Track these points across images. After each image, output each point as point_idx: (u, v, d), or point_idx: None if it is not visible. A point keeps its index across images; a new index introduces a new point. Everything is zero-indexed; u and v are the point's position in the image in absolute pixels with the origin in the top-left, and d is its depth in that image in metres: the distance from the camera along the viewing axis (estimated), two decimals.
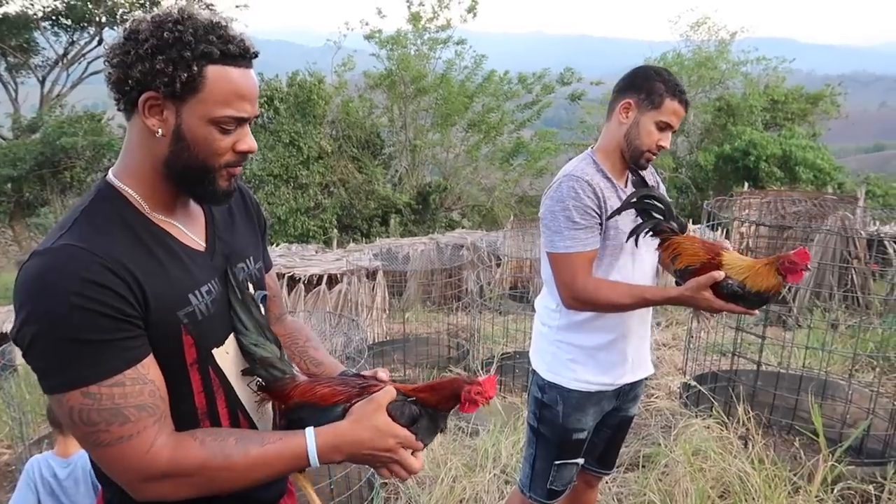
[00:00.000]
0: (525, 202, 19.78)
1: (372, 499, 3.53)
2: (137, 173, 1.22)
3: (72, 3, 16.99)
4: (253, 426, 1.34)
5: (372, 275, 8.58)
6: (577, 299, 2.11)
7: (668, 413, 4.20)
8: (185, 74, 1.11)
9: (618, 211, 2.08)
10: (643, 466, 3.47)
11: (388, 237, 13.71)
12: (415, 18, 18.92)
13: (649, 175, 2.32)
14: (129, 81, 1.13)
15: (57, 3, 17.26)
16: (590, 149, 2.25)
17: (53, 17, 17.51)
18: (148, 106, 1.14)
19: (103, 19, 17.59)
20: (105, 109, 17.69)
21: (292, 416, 1.29)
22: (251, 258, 1.41)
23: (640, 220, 2.11)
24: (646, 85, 2.10)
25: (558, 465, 2.34)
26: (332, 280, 8.07)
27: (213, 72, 1.14)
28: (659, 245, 2.10)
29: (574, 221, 2.08)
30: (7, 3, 16.86)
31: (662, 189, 2.34)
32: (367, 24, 18.97)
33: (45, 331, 1.04)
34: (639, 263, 2.22)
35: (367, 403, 1.21)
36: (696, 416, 3.60)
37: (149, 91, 1.13)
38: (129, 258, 1.13)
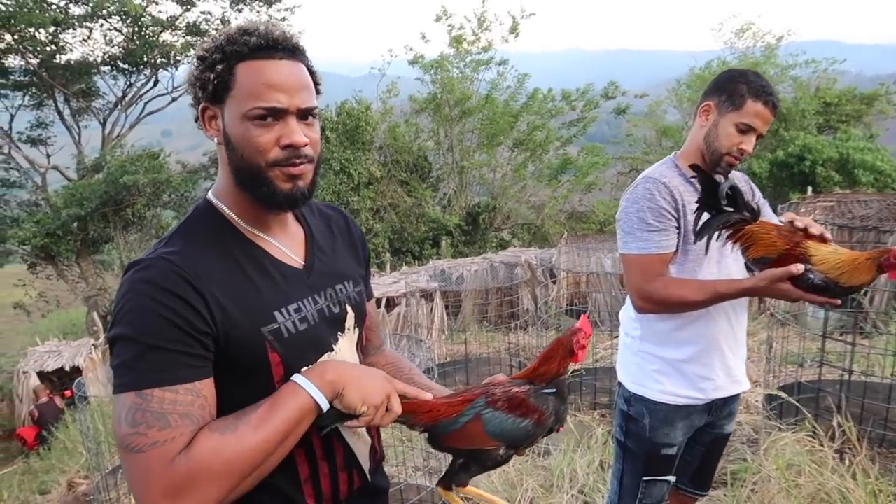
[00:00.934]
0: (575, 218, 19.58)
1: None
2: (225, 188, 1.25)
3: (129, 47, 17.74)
4: (348, 448, 1.32)
5: (428, 296, 8.58)
6: (647, 300, 2.04)
7: (748, 427, 4.03)
8: (215, 77, 1.15)
9: (698, 234, 1.97)
10: (730, 484, 3.31)
11: (439, 259, 13.72)
12: (456, 42, 19.10)
13: (742, 182, 2.23)
14: (195, 101, 1.21)
15: (115, 49, 18.06)
16: (673, 153, 2.20)
17: (112, 62, 18.31)
18: (206, 118, 1.20)
19: (158, 61, 18.31)
20: (162, 147, 18.36)
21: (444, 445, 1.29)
22: (350, 281, 1.39)
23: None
24: (728, 86, 2.04)
25: (647, 481, 2.25)
26: (390, 303, 8.09)
27: (242, 68, 1.15)
28: (728, 237, 2.00)
29: (647, 223, 2.03)
30: (70, 50, 17.67)
31: (759, 197, 2.23)
32: (411, 49, 19.22)
33: (125, 332, 1.07)
34: (725, 274, 2.12)
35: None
36: (785, 429, 3.42)
37: (203, 103, 1.19)
38: (215, 273, 1.14)
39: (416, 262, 15.22)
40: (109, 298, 16.02)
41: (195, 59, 1.19)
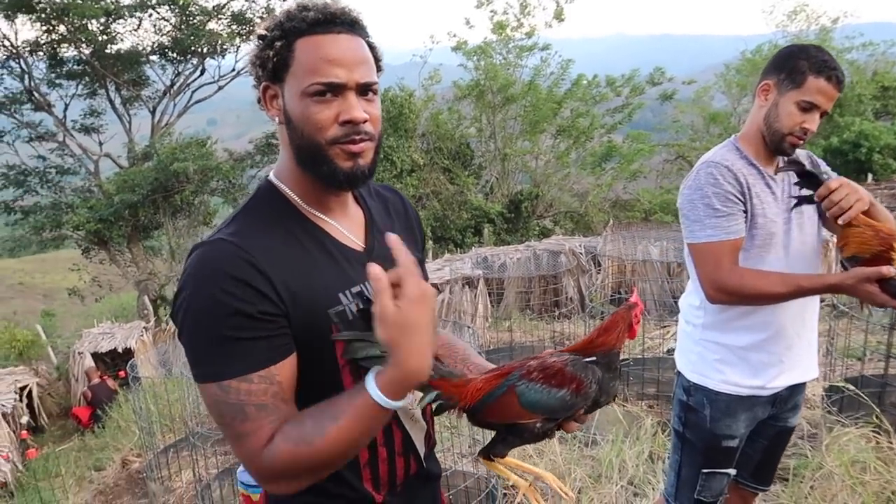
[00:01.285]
0: (619, 206, 19.28)
1: None
2: (286, 169, 1.23)
3: (177, 36, 18.08)
4: (406, 434, 1.30)
5: (471, 283, 8.56)
6: (723, 290, 1.95)
7: (805, 422, 3.90)
8: (274, 54, 1.13)
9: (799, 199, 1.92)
10: (787, 480, 3.21)
11: (481, 247, 13.67)
12: (499, 27, 18.92)
13: (805, 159, 2.13)
14: (256, 81, 1.19)
15: (164, 38, 18.43)
16: (733, 136, 2.11)
17: (161, 52, 18.70)
18: (268, 97, 1.18)
19: (205, 50, 18.61)
20: (209, 135, 18.70)
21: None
22: None
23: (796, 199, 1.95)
24: (787, 63, 1.94)
25: (706, 473, 2.18)
26: (434, 289, 8.11)
27: (301, 44, 1.13)
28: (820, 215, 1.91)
29: (715, 209, 1.95)
30: (121, 40, 18.10)
31: (827, 170, 2.14)
32: (454, 35, 19.11)
33: (193, 321, 1.08)
34: (795, 258, 2.03)
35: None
36: (847, 423, 3.29)
37: (263, 82, 1.17)
38: (279, 255, 1.13)
39: (458, 249, 15.21)
40: (159, 283, 16.46)
41: (256, 39, 1.17)
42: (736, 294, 1.95)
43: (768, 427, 2.20)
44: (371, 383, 1.05)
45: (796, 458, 3.35)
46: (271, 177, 1.26)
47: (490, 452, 1.26)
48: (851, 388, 3.50)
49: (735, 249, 1.97)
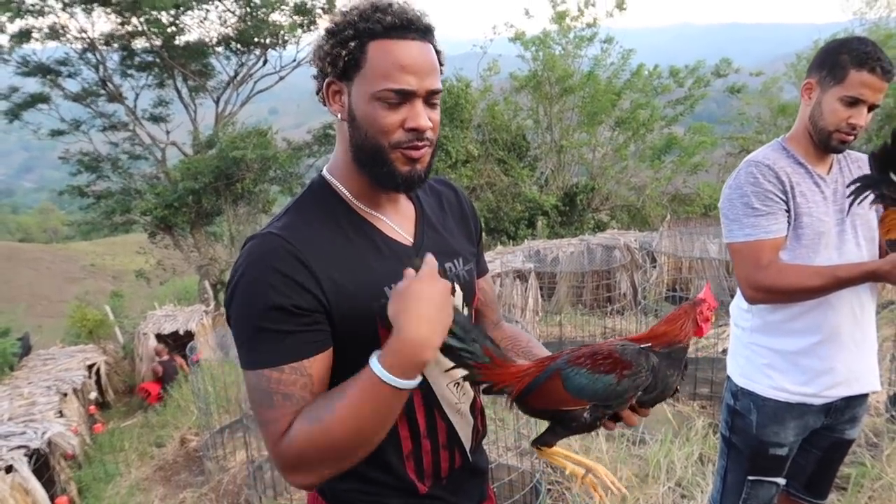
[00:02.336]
0: (678, 200, 18.77)
1: None
2: (341, 165, 1.26)
3: (241, 28, 18.53)
4: (451, 427, 1.32)
5: (523, 277, 8.51)
6: (760, 289, 1.91)
7: (868, 430, 3.74)
8: (346, 53, 1.13)
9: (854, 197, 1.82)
10: (844, 488, 3.10)
11: (535, 239, 13.57)
12: (559, 17, 18.63)
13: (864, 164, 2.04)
14: (320, 75, 1.19)
15: (228, 30, 18.91)
16: (781, 136, 2.05)
17: (226, 43, 19.20)
18: (331, 93, 1.19)
19: (267, 41, 19.01)
20: (269, 125, 19.12)
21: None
22: (460, 259, 1.37)
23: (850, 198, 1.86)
24: (828, 59, 1.88)
25: (752, 481, 2.12)
26: None
27: (374, 47, 1.13)
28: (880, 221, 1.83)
29: (753, 208, 1.91)
30: (189, 32, 18.68)
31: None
32: (512, 26, 18.93)
33: (238, 310, 1.14)
34: (846, 258, 1.94)
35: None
36: None
37: (328, 78, 1.18)
38: (326, 249, 1.16)
39: (511, 241, 15.12)
40: (219, 268, 16.97)
41: (324, 33, 1.18)
42: (773, 291, 1.91)
43: (823, 437, 2.12)
44: (374, 358, 1.06)
45: (855, 467, 3.22)
46: (324, 172, 1.29)
47: (538, 443, 1.24)
48: None
49: (774, 249, 1.92)
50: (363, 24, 1.13)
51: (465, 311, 1.35)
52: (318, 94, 1.23)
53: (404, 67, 1.13)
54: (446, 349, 1.15)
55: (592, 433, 1.22)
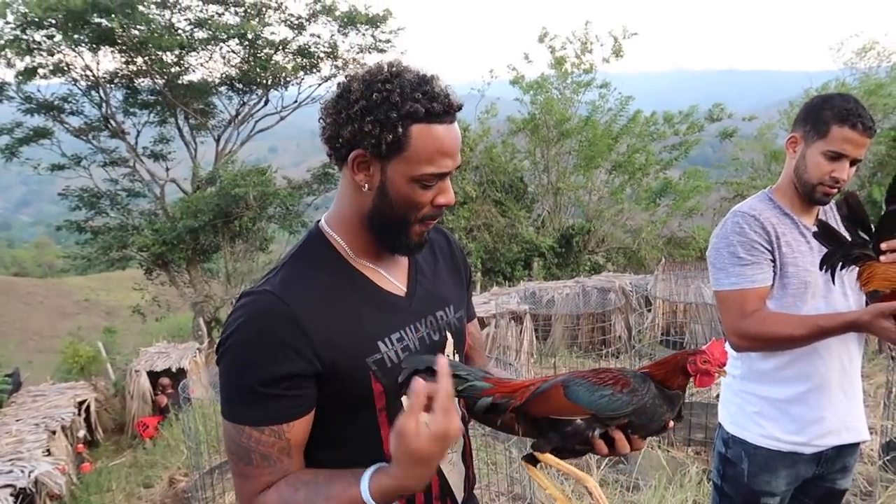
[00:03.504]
0: (674, 244, 18.88)
1: None
2: (345, 222, 1.27)
3: (244, 68, 18.81)
4: (443, 479, 1.32)
5: (518, 318, 8.51)
6: (744, 337, 1.95)
7: (861, 478, 3.72)
8: (391, 136, 1.13)
9: (821, 265, 1.87)
10: None
11: (531, 280, 13.59)
12: (558, 63, 19.00)
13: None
14: (340, 139, 1.17)
15: (231, 70, 19.21)
16: (768, 188, 2.11)
17: (228, 82, 19.48)
18: (357, 163, 1.18)
19: (269, 81, 19.30)
20: (269, 163, 19.27)
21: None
22: (452, 306, 1.39)
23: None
24: (812, 115, 1.95)
25: None
26: (480, 323, 8.10)
27: (418, 130, 1.14)
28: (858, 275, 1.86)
29: (739, 257, 1.96)
30: (193, 71, 18.96)
31: None
32: (514, 69, 19.25)
33: (228, 364, 1.16)
34: (832, 307, 1.98)
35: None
36: None
37: (357, 150, 1.16)
38: (322, 307, 1.18)
39: (507, 282, 15.13)
40: (214, 305, 16.90)
41: (359, 102, 1.14)
42: (756, 339, 1.94)
43: (815, 488, 2.12)
44: (365, 483, 1.08)
45: None
46: (322, 224, 1.30)
47: (532, 447, 1.25)
48: None
49: (759, 298, 1.96)
50: (408, 107, 1.12)
51: (456, 358, 1.37)
52: (331, 158, 1.22)
53: (446, 153, 1.17)
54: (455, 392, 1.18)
55: (584, 462, 1.22)
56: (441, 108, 1.15)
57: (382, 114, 1.12)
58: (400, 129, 1.13)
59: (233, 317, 1.17)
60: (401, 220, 1.21)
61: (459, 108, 1.20)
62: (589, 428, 1.17)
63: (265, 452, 1.14)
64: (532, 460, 1.25)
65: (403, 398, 1.24)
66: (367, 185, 1.20)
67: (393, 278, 1.31)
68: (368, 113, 1.13)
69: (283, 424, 1.14)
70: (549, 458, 1.22)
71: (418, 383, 1.06)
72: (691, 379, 1.21)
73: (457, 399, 1.24)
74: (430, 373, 1.13)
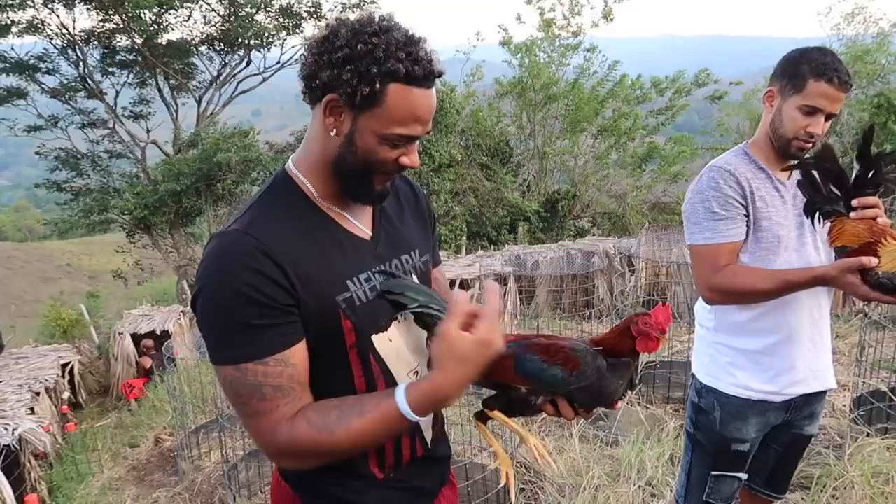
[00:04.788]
0: (659, 209, 18.98)
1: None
2: (312, 164, 1.27)
3: (225, 28, 18.43)
4: None
5: (502, 280, 8.55)
6: (715, 290, 1.99)
7: (833, 432, 3.82)
8: (368, 90, 1.13)
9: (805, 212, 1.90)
10: (808, 488, 3.16)
11: (516, 244, 13.64)
12: (547, 25, 18.78)
13: None
14: (317, 81, 1.16)
15: (212, 29, 18.81)
16: (744, 142, 2.12)
17: (209, 42, 19.09)
18: (329, 107, 1.18)
19: (251, 42, 18.93)
20: (252, 126, 19.02)
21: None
22: (417, 251, 1.41)
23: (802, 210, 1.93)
24: (789, 69, 1.95)
25: (716, 476, 2.18)
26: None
27: (395, 90, 1.14)
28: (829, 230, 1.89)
29: (713, 212, 1.97)
30: (172, 30, 18.54)
31: None
32: (505, 29, 18.99)
33: (211, 308, 1.15)
34: (805, 260, 2.01)
35: (437, 340, 1.14)
36: (874, 434, 3.22)
37: (332, 94, 1.16)
38: (291, 244, 1.18)
39: (493, 246, 15.18)
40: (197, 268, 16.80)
41: (343, 49, 1.13)
42: (727, 293, 1.98)
43: (783, 434, 2.18)
44: (401, 393, 1.14)
45: (819, 468, 3.29)
46: (289, 166, 1.30)
47: (482, 404, 1.31)
48: (871, 399, 3.42)
49: (732, 252, 1.98)
50: (389, 65, 1.12)
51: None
52: (305, 96, 1.22)
53: (419, 118, 1.17)
54: (423, 315, 1.26)
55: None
56: (422, 72, 1.14)
57: (364, 66, 1.12)
58: (377, 85, 1.12)
59: (205, 260, 1.17)
60: (363, 171, 1.21)
61: (440, 74, 1.20)
62: (533, 396, 1.24)
63: (276, 383, 1.14)
64: (483, 417, 1.31)
65: (373, 336, 1.26)
66: (335, 131, 1.20)
67: (359, 223, 1.32)
68: (350, 62, 1.12)
69: (285, 351, 1.15)
70: (497, 415, 1.28)
71: (461, 294, 1.16)
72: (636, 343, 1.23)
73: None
74: (398, 302, 1.24)
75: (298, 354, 1.17)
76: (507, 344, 1.24)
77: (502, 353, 1.19)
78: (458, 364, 1.11)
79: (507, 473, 1.28)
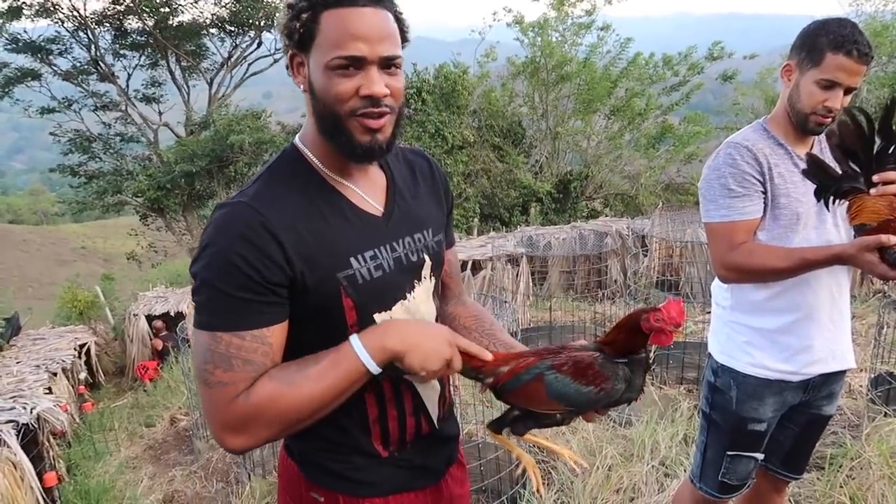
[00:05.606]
0: (672, 189, 18.81)
1: (524, 483, 3.47)
2: (310, 135, 1.26)
3: (236, 9, 18.37)
4: (418, 397, 1.33)
5: (514, 261, 8.53)
6: (731, 269, 1.95)
7: (849, 412, 3.79)
8: (298, 23, 1.14)
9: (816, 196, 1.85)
10: (823, 468, 3.14)
11: (528, 226, 13.58)
12: (559, 3, 18.52)
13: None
14: (284, 48, 1.21)
15: (223, 10, 18.74)
16: (763, 118, 2.06)
17: (219, 24, 19.03)
18: (295, 65, 1.20)
19: (262, 23, 18.86)
20: (264, 108, 18.99)
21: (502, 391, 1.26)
22: (430, 230, 1.37)
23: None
24: (807, 42, 1.89)
25: (731, 455, 2.16)
26: (476, 266, 8.12)
27: (327, 16, 1.13)
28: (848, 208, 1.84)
29: (730, 189, 1.93)
30: (182, 12, 18.49)
31: None
32: (509, 10, 18.77)
33: (203, 273, 1.13)
34: (824, 238, 1.97)
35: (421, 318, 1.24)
36: (891, 414, 3.19)
37: (290, 51, 1.18)
38: (294, 217, 1.16)
39: (505, 227, 15.13)
40: None
41: (285, 7, 1.18)
42: (743, 271, 1.94)
43: (800, 414, 2.15)
44: (354, 336, 1.15)
45: (835, 447, 3.26)
46: (296, 140, 1.28)
47: (503, 428, 1.28)
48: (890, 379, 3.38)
49: (748, 230, 1.95)
50: None
51: (433, 281, 1.37)
52: (287, 68, 1.23)
53: (355, 35, 1.12)
54: None
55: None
56: None
57: (298, 6, 1.15)
58: (304, 17, 1.14)
59: (208, 229, 1.16)
60: (332, 116, 1.17)
61: None
62: (566, 417, 1.23)
63: (247, 357, 1.12)
64: (497, 429, 1.29)
65: (376, 315, 1.25)
66: (302, 86, 1.20)
67: (370, 198, 1.29)
68: (290, 9, 1.16)
69: (263, 329, 1.13)
70: (528, 438, 1.29)
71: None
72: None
73: None
74: None
75: (277, 335, 1.15)
76: (527, 369, 1.23)
77: (531, 377, 1.21)
78: (418, 336, 1.16)
79: (534, 474, 1.28)
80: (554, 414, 1.21)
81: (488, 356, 1.24)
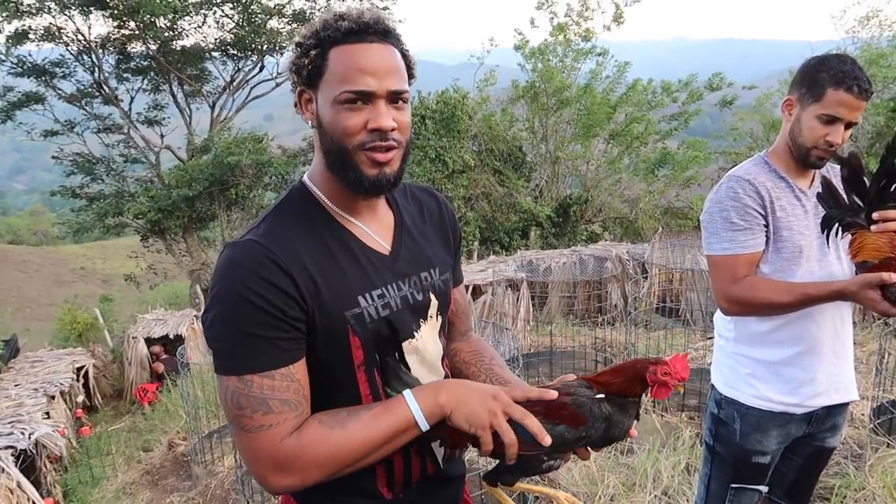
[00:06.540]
0: (671, 214, 18.87)
1: None
2: (318, 171, 1.27)
3: (239, 34, 18.56)
4: (423, 440, 1.32)
5: (515, 286, 8.53)
6: (734, 302, 1.96)
7: (852, 441, 3.77)
8: (307, 60, 1.17)
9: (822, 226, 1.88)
10: (828, 499, 3.12)
11: (528, 250, 13.60)
12: (559, 29, 18.75)
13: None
14: (293, 86, 1.24)
15: (226, 35, 18.93)
16: (764, 151, 2.09)
17: (222, 48, 19.22)
18: (303, 101, 1.23)
19: (264, 47, 19.05)
20: (265, 131, 19.10)
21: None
22: (437, 269, 1.37)
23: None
24: (808, 77, 1.92)
25: (735, 489, 2.15)
26: (476, 291, 8.12)
27: (335, 53, 1.16)
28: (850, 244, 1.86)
29: (731, 222, 1.95)
30: (186, 36, 18.68)
31: None
32: (520, 33, 18.99)
33: (220, 316, 1.12)
34: (827, 270, 1.98)
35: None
36: (894, 445, 3.18)
37: (299, 87, 1.22)
38: (303, 255, 1.17)
39: (505, 252, 15.14)
40: (211, 273, 16.89)
41: (294, 46, 1.22)
42: (745, 304, 1.95)
43: (804, 446, 2.15)
44: (408, 391, 1.17)
45: (839, 478, 3.25)
46: (304, 178, 1.30)
47: (498, 480, 1.26)
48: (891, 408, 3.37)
49: (751, 263, 1.96)
50: (324, 33, 1.17)
51: (440, 320, 1.37)
52: (295, 106, 1.25)
53: (363, 69, 1.15)
54: None
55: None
56: (352, 25, 1.16)
57: (306, 44, 1.18)
58: (312, 53, 1.17)
59: (219, 270, 1.16)
60: (340, 150, 1.18)
61: (385, 30, 1.19)
62: (549, 460, 1.22)
63: (283, 397, 1.12)
64: (493, 482, 1.28)
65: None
66: (311, 122, 1.23)
67: (378, 237, 1.29)
68: (299, 48, 1.20)
69: (289, 366, 1.14)
70: (518, 486, 1.28)
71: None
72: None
73: None
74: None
75: (301, 370, 1.16)
76: None
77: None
78: (464, 387, 1.19)
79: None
80: (538, 457, 1.19)
81: (552, 395, 1.20)
